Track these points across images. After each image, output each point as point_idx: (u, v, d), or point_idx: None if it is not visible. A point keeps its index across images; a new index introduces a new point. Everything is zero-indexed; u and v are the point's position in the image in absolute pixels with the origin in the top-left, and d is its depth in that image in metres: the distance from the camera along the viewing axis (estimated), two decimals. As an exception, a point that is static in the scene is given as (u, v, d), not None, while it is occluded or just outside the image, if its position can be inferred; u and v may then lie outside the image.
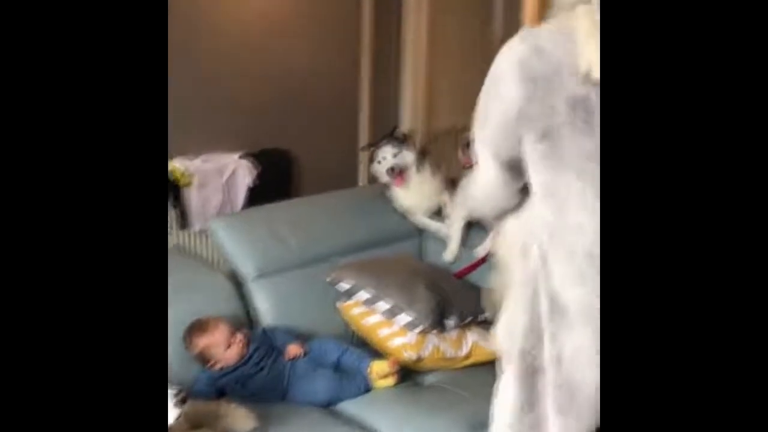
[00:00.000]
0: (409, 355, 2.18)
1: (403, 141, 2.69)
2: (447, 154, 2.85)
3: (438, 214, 2.69)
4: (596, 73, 0.98)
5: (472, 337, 2.26)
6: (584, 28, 1.00)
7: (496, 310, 2.10)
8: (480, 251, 2.49)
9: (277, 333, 2.23)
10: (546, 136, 1.06)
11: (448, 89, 3.37)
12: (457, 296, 2.33)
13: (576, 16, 1.03)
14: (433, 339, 2.22)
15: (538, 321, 1.20)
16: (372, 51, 3.26)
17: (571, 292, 1.14)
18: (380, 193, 2.75)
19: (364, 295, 2.32)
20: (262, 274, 2.41)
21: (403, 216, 2.72)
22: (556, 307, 1.17)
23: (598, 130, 1.01)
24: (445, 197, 2.65)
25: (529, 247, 1.20)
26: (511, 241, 1.33)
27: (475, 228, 2.54)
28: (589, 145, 1.03)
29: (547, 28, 1.07)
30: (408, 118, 3.37)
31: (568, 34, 1.02)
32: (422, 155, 2.69)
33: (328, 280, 2.40)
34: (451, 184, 2.63)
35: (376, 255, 2.59)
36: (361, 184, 3.27)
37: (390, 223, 2.72)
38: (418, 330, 2.20)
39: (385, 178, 2.67)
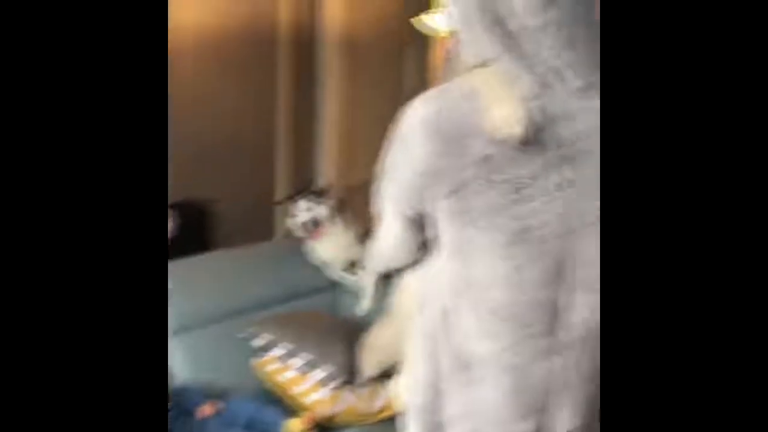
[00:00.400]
0: (323, 411, 2.16)
1: (318, 194, 2.71)
2: (363, 207, 2.88)
3: (354, 266, 2.71)
4: (502, 133, 1.01)
5: (386, 390, 2.26)
6: (488, 89, 1.04)
7: (375, 368, 2.15)
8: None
9: (190, 392, 2.18)
10: (454, 192, 1.08)
11: (366, 142, 3.42)
12: (372, 350, 2.33)
13: (477, 78, 1.06)
14: (347, 394, 2.21)
15: (440, 375, 1.21)
16: (289, 104, 3.29)
17: (479, 346, 1.16)
18: (296, 247, 2.75)
19: (278, 351, 2.30)
20: (177, 330, 2.36)
21: (319, 270, 2.73)
22: (461, 362, 1.18)
23: (504, 187, 1.05)
24: (361, 250, 2.68)
25: (432, 300, 1.22)
26: (412, 294, 1.35)
27: (390, 280, 2.57)
28: (496, 201, 1.06)
29: (448, 89, 1.10)
30: (325, 171, 3.40)
31: (469, 95, 1.05)
32: (338, 208, 2.71)
33: (242, 336, 2.37)
34: (367, 236, 2.66)
35: (291, 309, 2.58)
36: (277, 237, 3.26)
37: (306, 277, 2.72)
38: (332, 385, 2.19)
39: (300, 231, 2.68)
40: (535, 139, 1.03)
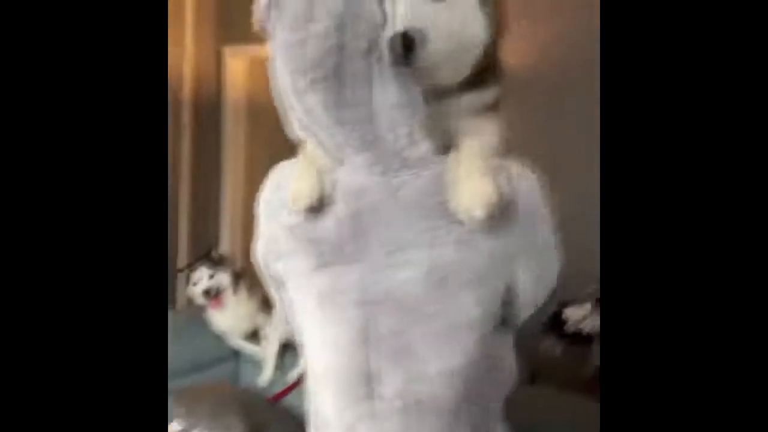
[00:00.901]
0: (219, 489, 2.09)
1: (219, 262, 2.67)
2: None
3: (255, 336, 2.66)
4: (293, 206, 1.08)
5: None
6: (299, 165, 1.11)
7: None
8: (295, 374, 2.48)
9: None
10: (279, 258, 1.15)
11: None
12: (272, 421, 2.28)
13: (300, 154, 1.14)
14: (244, 471, 2.15)
15: None
16: (191, 172, 3.26)
17: (324, 408, 1.18)
18: (198, 315, 2.69)
19: (175, 427, 2.22)
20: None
21: (219, 339, 2.67)
22: (320, 423, 1.20)
23: (307, 253, 1.10)
24: (262, 319, 2.64)
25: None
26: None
27: (291, 350, 2.54)
28: (303, 266, 1.11)
29: (288, 162, 1.17)
30: (228, 239, 3.36)
31: (292, 169, 1.13)
32: (239, 276, 2.67)
33: (136, 412, 2.28)
34: (268, 305, 2.63)
35: (191, 381, 2.52)
36: (179, 306, 3.19)
37: (206, 347, 2.66)
38: (229, 461, 2.13)
39: (200, 300, 2.63)
40: (328, 211, 1.08)
